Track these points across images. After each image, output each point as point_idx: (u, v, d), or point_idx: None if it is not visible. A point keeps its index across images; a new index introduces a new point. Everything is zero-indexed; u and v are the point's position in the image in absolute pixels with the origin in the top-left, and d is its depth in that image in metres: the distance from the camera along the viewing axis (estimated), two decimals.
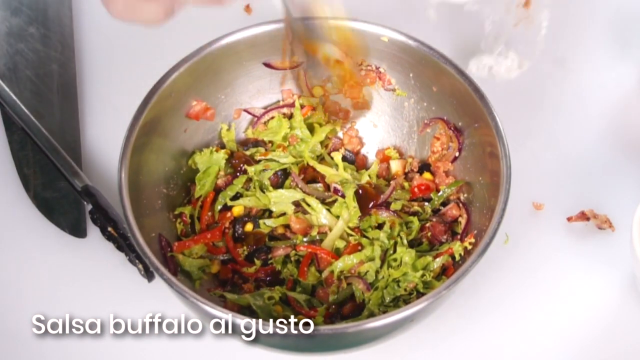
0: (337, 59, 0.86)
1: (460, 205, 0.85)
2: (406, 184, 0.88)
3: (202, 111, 0.88)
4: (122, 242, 0.84)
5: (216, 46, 0.85)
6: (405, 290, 0.81)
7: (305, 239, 0.85)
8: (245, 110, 0.90)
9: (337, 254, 0.84)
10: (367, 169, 0.90)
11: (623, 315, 0.86)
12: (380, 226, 0.85)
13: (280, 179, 0.88)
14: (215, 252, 0.85)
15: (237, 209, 0.86)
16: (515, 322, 0.85)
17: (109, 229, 0.85)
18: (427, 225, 0.84)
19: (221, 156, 0.88)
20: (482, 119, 0.81)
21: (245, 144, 0.91)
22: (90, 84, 0.98)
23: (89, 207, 0.87)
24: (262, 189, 0.87)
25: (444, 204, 0.86)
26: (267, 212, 0.87)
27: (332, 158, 0.90)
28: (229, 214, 0.86)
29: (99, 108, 0.97)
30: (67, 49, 1.00)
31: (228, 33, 0.85)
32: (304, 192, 0.86)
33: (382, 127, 0.91)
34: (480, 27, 0.95)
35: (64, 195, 0.90)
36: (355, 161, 0.91)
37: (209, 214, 0.86)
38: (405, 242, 0.83)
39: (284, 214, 0.86)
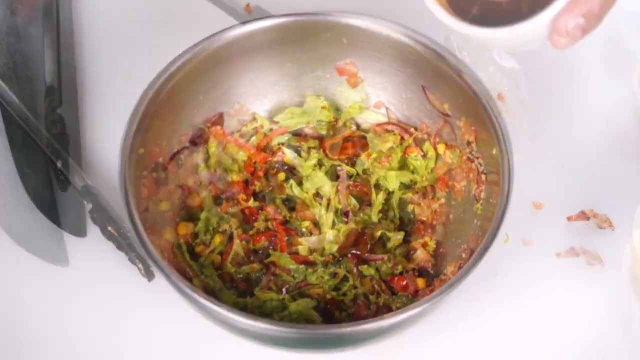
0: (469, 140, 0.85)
1: None
2: (399, 269, 0.84)
3: (349, 73, 0.89)
4: (122, 242, 0.84)
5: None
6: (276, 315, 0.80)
7: (305, 223, 0.86)
8: (387, 108, 0.90)
9: (295, 253, 0.85)
10: (407, 237, 0.87)
11: (623, 316, 0.86)
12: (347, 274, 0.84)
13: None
14: (248, 168, 0.88)
15: (289, 158, 0.89)
16: (514, 322, 0.85)
17: (109, 228, 0.85)
18: (359, 302, 0.82)
19: (324, 115, 0.90)
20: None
21: (359, 131, 0.91)
22: (90, 84, 0.98)
23: (89, 206, 0.87)
24: (321, 163, 0.89)
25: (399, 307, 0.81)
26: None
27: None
28: (280, 154, 0.89)
29: (99, 108, 0.97)
30: (67, 49, 1.00)
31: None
32: (337, 193, 0.87)
33: (450, 223, 0.87)
34: None
35: (63, 195, 0.90)
36: (414, 225, 0.87)
37: (272, 142, 0.89)
38: (326, 292, 0.82)
39: (316, 193, 0.88)
